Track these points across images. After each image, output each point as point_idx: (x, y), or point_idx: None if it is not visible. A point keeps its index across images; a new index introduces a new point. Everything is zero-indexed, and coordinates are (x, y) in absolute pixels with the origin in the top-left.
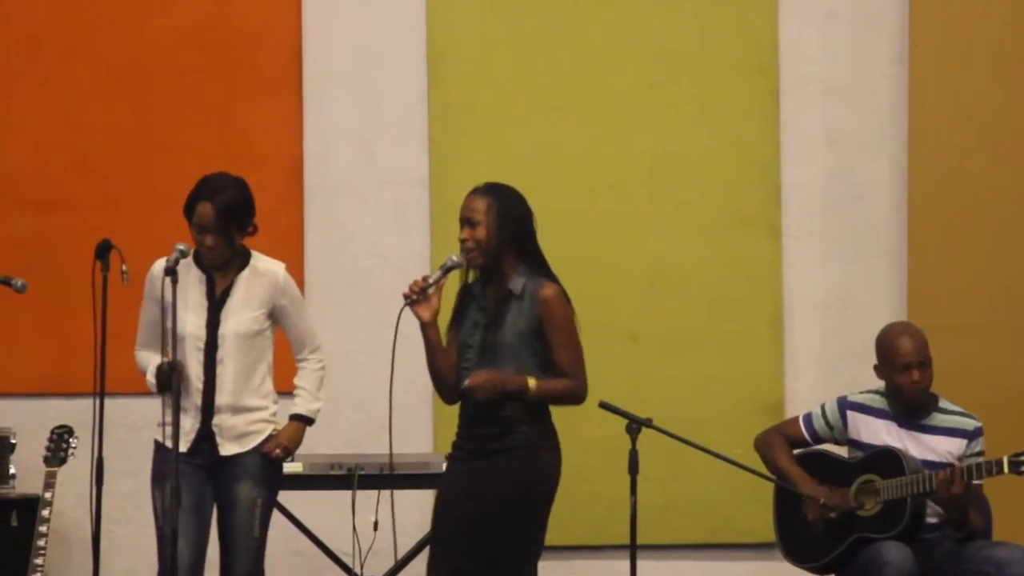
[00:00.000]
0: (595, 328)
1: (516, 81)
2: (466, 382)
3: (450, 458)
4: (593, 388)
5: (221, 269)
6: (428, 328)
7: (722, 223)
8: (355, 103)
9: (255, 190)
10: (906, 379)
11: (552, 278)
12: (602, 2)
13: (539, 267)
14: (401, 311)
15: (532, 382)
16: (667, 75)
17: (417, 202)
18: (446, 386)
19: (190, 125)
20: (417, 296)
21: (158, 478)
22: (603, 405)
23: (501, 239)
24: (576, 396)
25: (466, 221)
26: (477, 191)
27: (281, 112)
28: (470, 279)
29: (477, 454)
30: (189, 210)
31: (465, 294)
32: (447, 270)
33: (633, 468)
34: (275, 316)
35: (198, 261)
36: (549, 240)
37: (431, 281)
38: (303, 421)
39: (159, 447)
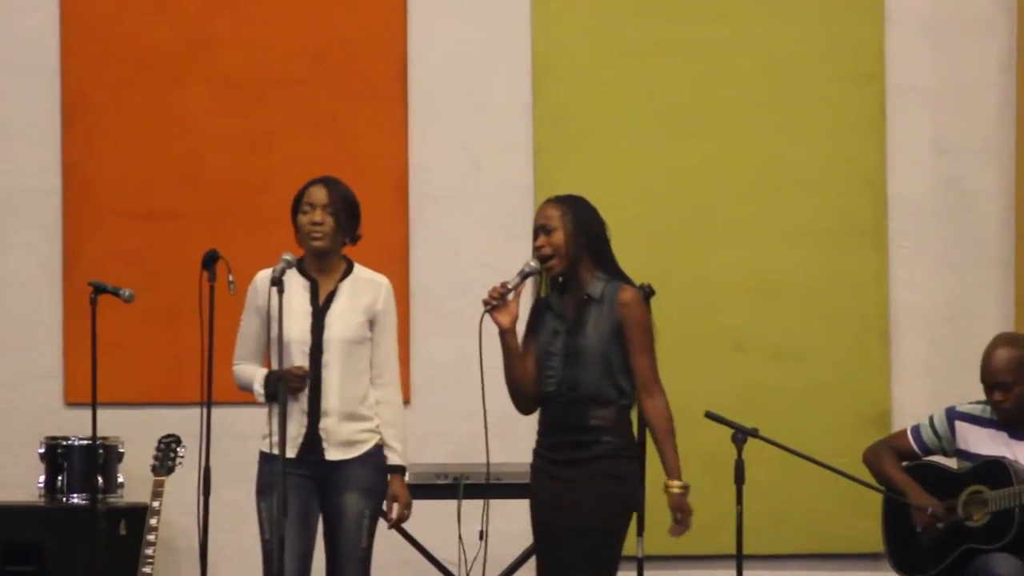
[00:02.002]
0: (701, 338)
1: (621, 90)
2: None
3: (533, 466)
4: (699, 398)
5: (324, 271)
6: (507, 335)
7: (829, 233)
8: (461, 113)
9: (362, 200)
10: (991, 396)
11: (630, 282)
12: (708, 12)
13: (615, 272)
14: (482, 318)
15: (675, 481)
16: (773, 85)
17: (522, 211)
18: (522, 394)
19: (297, 136)
20: (497, 302)
21: (264, 490)
22: (709, 415)
23: (577, 245)
24: (667, 413)
25: (541, 229)
26: (550, 201)
27: (387, 123)
28: (543, 292)
29: (559, 462)
30: (297, 202)
31: (540, 305)
32: (525, 276)
33: (739, 478)
34: (371, 326)
35: (301, 269)
36: (654, 250)
37: (510, 287)
38: (402, 472)
39: (264, 458)
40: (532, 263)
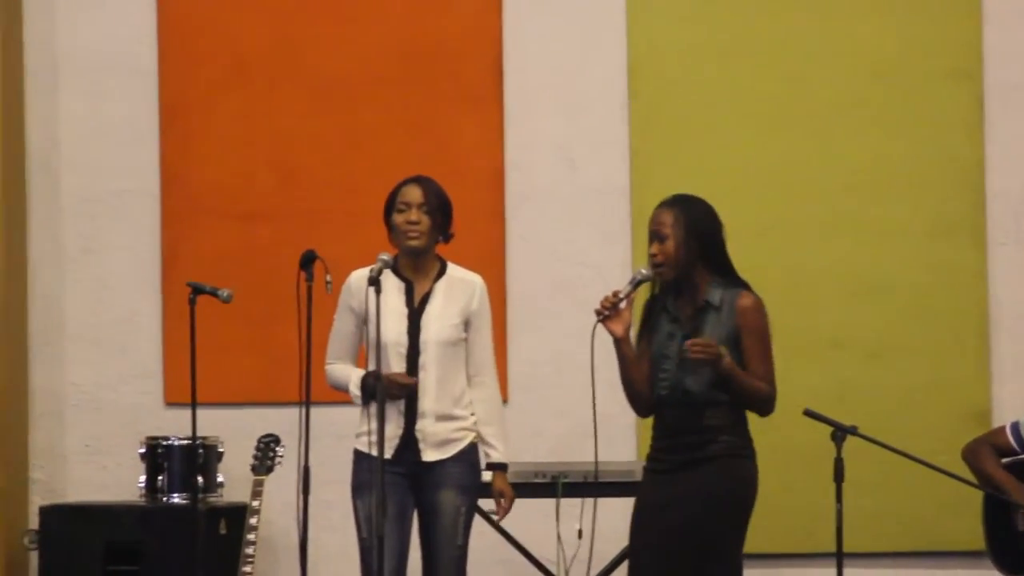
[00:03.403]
0: (797, 336)
1: (717, 90)
2: (687, 344)
3: (647, 469)
4: (796, 396)
5: (418, 271)
6: (621, 343)
7: (926, 230)
8: (556, 113)
9: (457, 200)
10: None
11: (747, 288)
12: (803, 10)
13: (732, 277)
14: (594, 328)
15: (728, 359)
16: (869, 83)
17: (618, 211)
18: (640, 398)
19: (393, 137)
20: (609, 312)
21: (360, 488)
22: (808, 413)
23: (690, 252)
24: (768, 401)
25: (655, 235)
26: (664, 204)
27: (483, 123)
28: (657, 290)
29: (677, 464)
30: (391, 201)
31: (654, 305)
32: (636, 284)
33: (838, 476)
34: (466, 327)
35: (395, 269)
36: (751, 248)
37: (621, 296)
38: (504, 469)
39: (360, 456)
40: (643, 271)
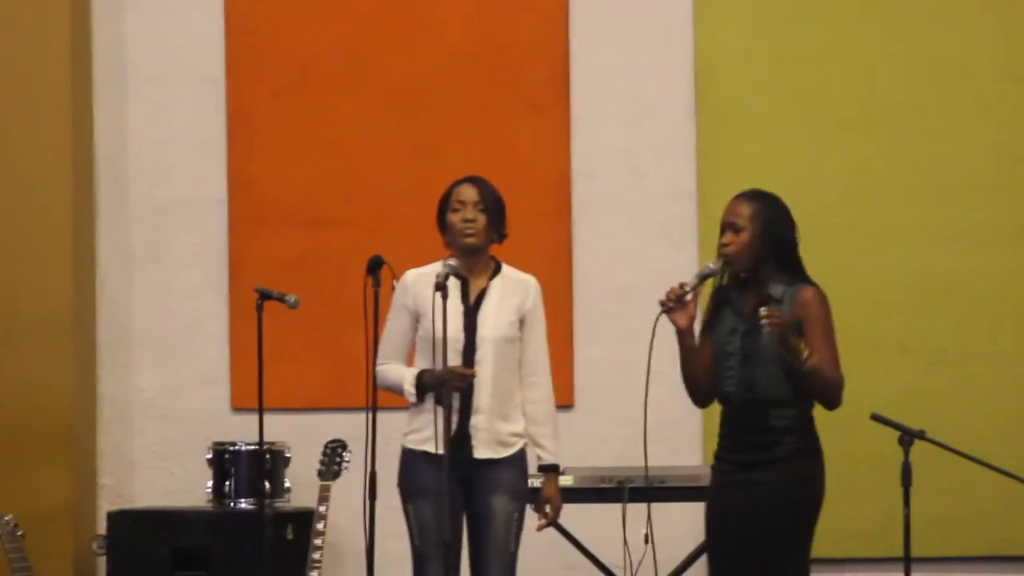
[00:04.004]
0: (865, 340)
1: (784, 94)
2: (762, 310)
3: (714, 468)
4: (864, 400)
5: (474, 270)
6: (685, 335)
7: (994, 235)
8: (622, 118)
9: (523, 206)
10: None
11: (812, 284)
12: (870, 14)
13: (799, 274)
14: (657, 318)
15: (813, 356)
16: (935, 87)
17: (685, 216)
18: (698, 389)
19: (458, 143)
20: (674, 304)
21: (413, 492)
22: (875, 417)
23: (763, 246)
24: (836, 389)
25: (729, 226)
26: (743, 196)
27: (549, 128)
28: (725, 281)
29: (742, 464)
30: (445, 202)
31: (719, 298)
32: (704, 277)
33: (906, 480)
34: (521, 326)
35: (455, 274)
36: (818, 252)
37: (688, 288)
38: (556, 471)
39: (411, 457)
40: (712, 264)
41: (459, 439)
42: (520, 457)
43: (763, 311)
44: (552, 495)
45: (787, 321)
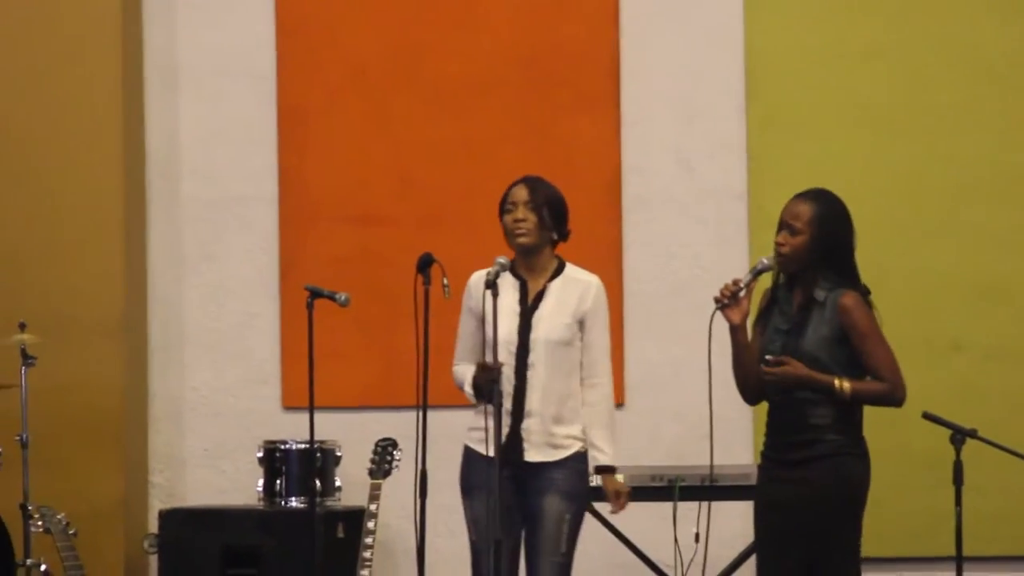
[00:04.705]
0: (917, 338)
1: (835, 93)
2: (768, 357)
3: (760, 467)
4: (915, 398)
5: (533, 270)
6: (738, 331)
7: None
8: (673, 116)
9: (574, 204)
10: None
11: (857, 288)
12: (921, 12)
13: (848, 277)
14: (713, 315)
15: (843, 383)
16: (986, 85)
17: (735, 214)
18: (749, 387)
19: (510, 140)
20: (728, 300)
21: (469, 489)
22: (927, 416)
23: (818, 249)
24: (893, 398)
25: (786, 226)
26: (804, 197)
27: (600, 126)
28: (781, 280)
29: (784, 462)
30: (502, 203)
31: (770, 299)
32: (757, 273)
33: (958, 479)
34: (580, 327)
35: (512, 269)
36: (870, 251)
37: (742, 285)
38: (613, 472)
39: (470, 455)
40: (765, 260)
41: (511, 442)
42: (576, 459)
43: (764, 366)
44: (617, 487)
45: (786, 373)
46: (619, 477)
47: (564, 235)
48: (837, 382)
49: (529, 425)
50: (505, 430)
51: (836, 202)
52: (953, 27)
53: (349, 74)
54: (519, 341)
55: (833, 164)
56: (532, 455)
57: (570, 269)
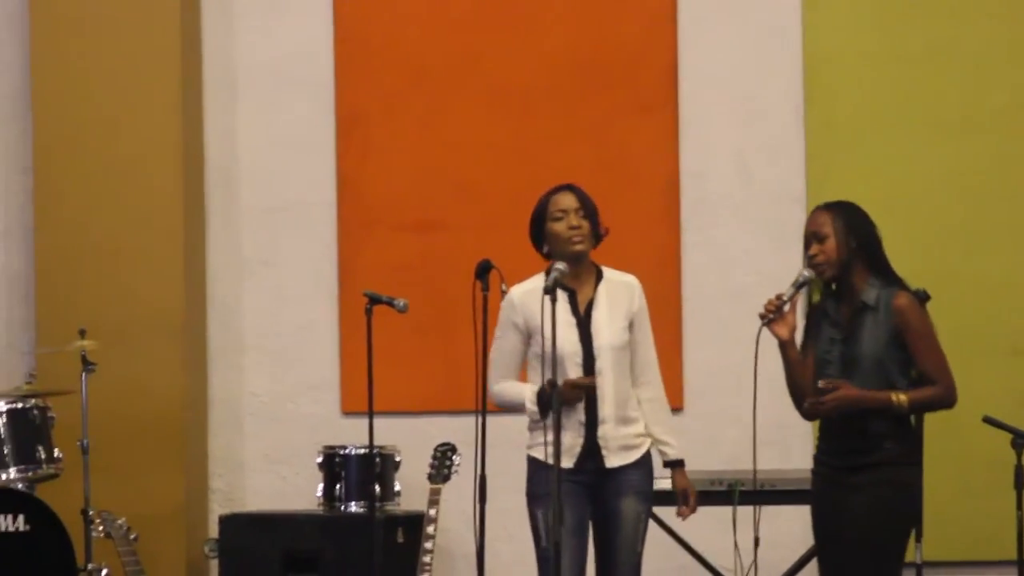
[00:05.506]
0: (977, 342)
1: (893, 94)
2: (820, 383)
3: (814, 472)
4: (975, 402)
5: (579, 278)
6: (787, 346)
7: None
8: (731, 120)
9: (632, 208)
10: None
11: (904, 287)
12: (979, 13)
13: (890, 277)
14: (759, 330)
15: (899, 397)
16: None
17: (794, 218)
18: (803, 399)
19: (568, 145)
20: (773, 315)
21: (539, 497)
22: (987, 420)
23: (849, 250)
24: (945, 401)
25: (813, 236)
26: (819, 208)
27: (657, 130)
28: (814, 299)
29: (840, 469)
30: (542, 212)
31: (815, 312)
32: (799, 286)
33: (1019, 483)
34: (630, 328)
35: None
36: (929, 253)
37: (785, 299)
38: (682, 465)
39: (537, 465)
40: (806, 272)
41: (588, 451)
42: (646, 459)
43: (817, 394)
44: (686, 485)
45: (841, 399)
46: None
47: (601, 237)
48: (894, 397)
49: (605, 432)
50: (580, 440)
51: (852, 205)
52: (1014, 27)
53: (407, 79)
54: (584, 351)
55: (892, 166)
56: (612, 461)
57: (608, 272)
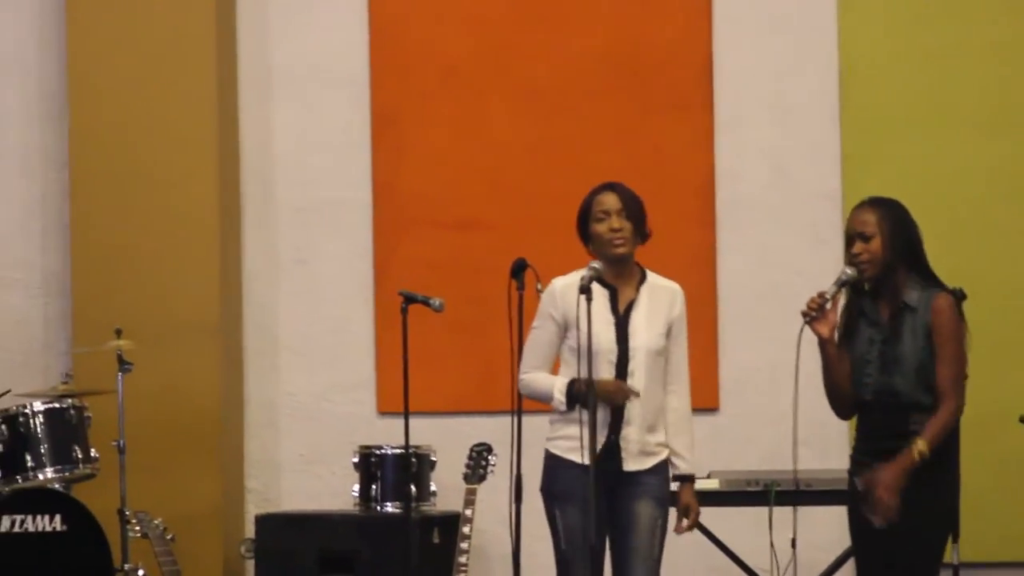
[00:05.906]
0: (1013, 342)
1: (929, 93)
2: (859, 484)
3: (851, 472)
4: (1012, 402)
5: (621, 278)
6: (827, 344)
7: None
8: (766, 120)
9: (667, 207)
10: None
11: (944, 288)
12: (1014, 12)
13: (930, 278)
14: (801, 329)
15: (919, 448)
16: None
17: (829, 218)
18: (842, 400)
19: (603, 144)
20: (816, 313)
21: (559, 496)
22: None
23: (894, 251)
24: (951, 423)
25: (858, 235)
26: (864, 205)
27: (693, 130)
28: (854, 297)
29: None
30: (586, 212)
31: (853, 311)
32: (842, 285)
33: None
34: (667, 334)
35: (599, 278)
36: (965, 253)
37: (827, 297)
38: (692, 481)
39: (557, 462)
40: (848, 271)
41: (608, 451)
42: (664, 466)
43: (871, 504)
44: (689, 502)
45: (889, 487)
46: (709, 481)
47: (647, 237)
48: (915, 452)
49: (627, 434)
50: (602, 440)
51: (897, 203)
52: None
53: (442, 78)
54: (619, 351)
55: (927, 165)
56: (630, 464)
57: (651, 276)
